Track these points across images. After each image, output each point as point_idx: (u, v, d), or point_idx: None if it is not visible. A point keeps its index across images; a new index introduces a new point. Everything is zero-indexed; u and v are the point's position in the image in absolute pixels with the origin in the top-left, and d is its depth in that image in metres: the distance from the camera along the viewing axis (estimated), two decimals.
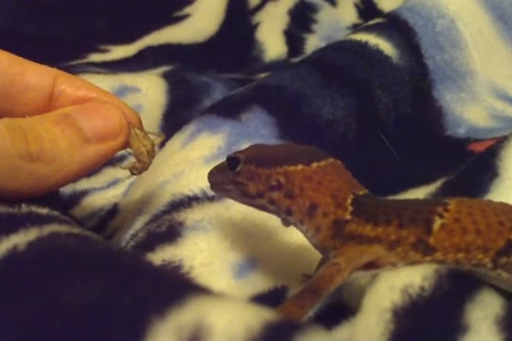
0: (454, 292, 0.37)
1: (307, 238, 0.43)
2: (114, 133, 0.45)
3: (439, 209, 0.39)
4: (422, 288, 0.37)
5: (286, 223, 0.44)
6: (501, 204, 0.40)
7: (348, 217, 0.41)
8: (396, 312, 0.36)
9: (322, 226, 0.41)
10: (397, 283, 0.37)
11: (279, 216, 0.43)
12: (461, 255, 0.38)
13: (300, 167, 0.42)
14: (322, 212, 0.41)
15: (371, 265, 0.40)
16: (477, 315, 0.36)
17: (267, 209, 0.43)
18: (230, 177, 0.43)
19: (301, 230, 0.43)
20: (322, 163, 0.42)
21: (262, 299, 0.45)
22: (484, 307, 0.37)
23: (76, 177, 0.45)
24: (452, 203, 0.40)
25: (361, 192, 0.42)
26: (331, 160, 0.43)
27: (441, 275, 0.37)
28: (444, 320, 0.36)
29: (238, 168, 0.43)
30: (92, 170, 0.45)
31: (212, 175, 0.45)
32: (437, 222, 0.39)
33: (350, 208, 0.41)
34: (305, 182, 0.42)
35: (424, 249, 0.39)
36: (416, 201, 0.42)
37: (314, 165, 0.42)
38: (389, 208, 0.41)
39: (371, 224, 0.40)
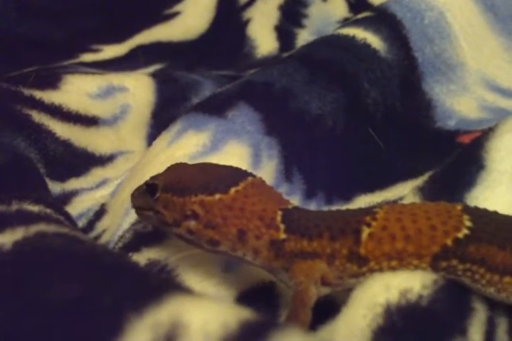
0: (452, 310, 0.37)
1: (248, 262, 0.42)
2: None
3: (367, 218, 0.39)
4: (421, 297, 0.36)
5: (214, 253, 0.42)
6: (437, 204, 0.39)
7: (283, 236, 0.40)
8: (389, 310, 0.36)
9: (259, 249, 0.40)
10: (394, 283, 0.37)
11: (203, 249, 0.42)
12: (394, 263, 0.38)
13: (218, 196, 0.40)
14: (254, 236, 0.40)
15: (323, 281, 0.39)
16: (474, 330, 0.36)
17: (189, 241, 0.42)
18: (149, 203, 0.43)
19: (238, 257, 0.41)
20: (241, 187, 0.41)
21: (251, 294, 0.45)
22: (479, 321, 0.37)
23: None
24: (381, 211, 0.39)
25: (289, 206, 0.41)
26: (250, 179, 0.42)
27: (439, 286, 0.37)
28: (443, 329, 0.36)
29: (156, 195, 0.42)
30: None
31: (134, 199, 0.45)
32: (365, 232, 0.38)
33: (282, 226, 0.40)
34: (226, 211, 0.40)
35: (357, 260, 0.38)
36: (346, 211, 0.42)
37: (232, 191, 0.41)
38: (319, 220, 0.40)
39: (306, 239, 0.39)
